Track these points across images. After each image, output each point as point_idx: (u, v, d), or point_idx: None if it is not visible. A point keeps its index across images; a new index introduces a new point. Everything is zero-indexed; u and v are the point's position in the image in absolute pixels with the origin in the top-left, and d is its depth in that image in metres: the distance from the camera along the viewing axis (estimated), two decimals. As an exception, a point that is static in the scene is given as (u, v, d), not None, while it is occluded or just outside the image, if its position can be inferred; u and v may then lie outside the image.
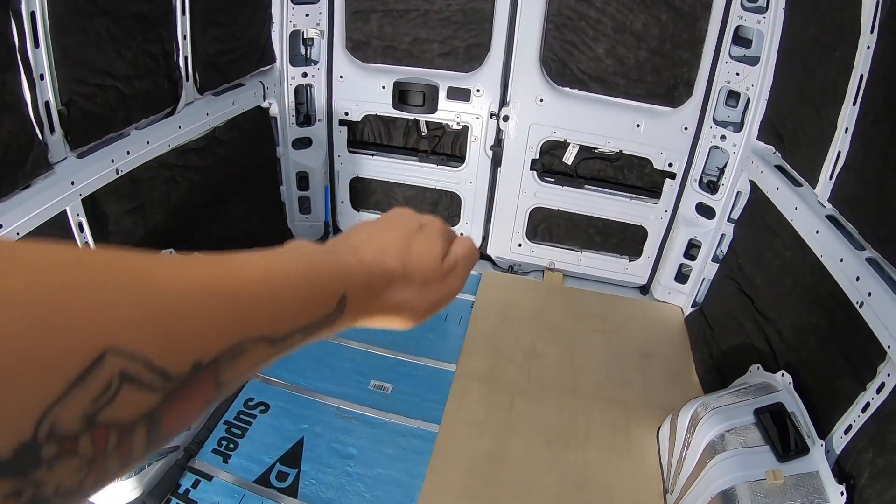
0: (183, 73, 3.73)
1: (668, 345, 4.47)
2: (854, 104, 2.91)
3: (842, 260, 2.80)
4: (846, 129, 2.96)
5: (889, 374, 2.38)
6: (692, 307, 4.70)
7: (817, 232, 3.06)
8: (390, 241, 0.79)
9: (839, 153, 3.01)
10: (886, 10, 2.70)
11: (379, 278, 0.74)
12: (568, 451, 3.55)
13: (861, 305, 2.59)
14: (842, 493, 2.42)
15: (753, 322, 3.65)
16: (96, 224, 3.23)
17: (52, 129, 2.90)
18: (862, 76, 2.86)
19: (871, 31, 2.80)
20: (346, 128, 5.08)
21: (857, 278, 2.66)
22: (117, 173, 3.30)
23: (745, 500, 2.61)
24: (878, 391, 2.42)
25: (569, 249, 5.14)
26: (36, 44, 2.70)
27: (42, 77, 2.79)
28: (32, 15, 2.65)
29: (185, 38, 3.66)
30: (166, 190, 3.80)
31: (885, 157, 2.70)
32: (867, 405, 2.47)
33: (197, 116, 3.90)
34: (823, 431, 2.69)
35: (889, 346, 2.37)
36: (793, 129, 3.67)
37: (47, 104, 2.85)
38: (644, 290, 5.11)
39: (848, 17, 2.94)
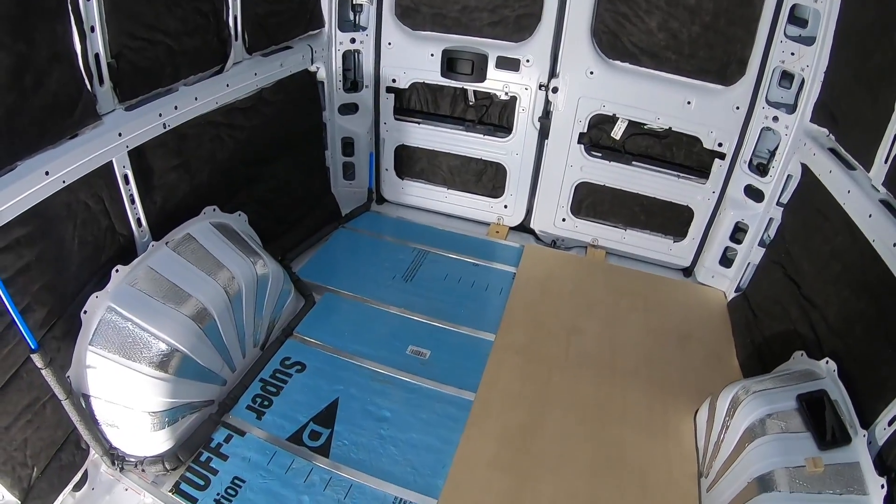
0: (232, 32, 3.78)
1: (709, 329, 4.43)
2: None
3: (894, 245, 2.75)
4: None
5: None
6: (735, 292, 4.65)
7: (870, 216, 3.01)
8: None
9: (895, 136, 2.95)
10: None
11: None
12: (603, 428, 3.55)
13: None
14: (882, 486, 2.40)
15: (799, 308, 3.60)
16: (141, 177, 3.31)
17: (101, 81, 2.98)
18: None
19: None
20: (392, 95, 5.11)
21: None
22: (164, 128, 3.38)
23: (783, 486, 2.59)
24: None
25: (613, 227, 5.13)
26: (87, -6, 2.80)
27: (93, 29, 2.85)
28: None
29: None
30: (212, 148, 3.88)
31: None
32: None
33: (245, 76, 3.96)
34: (867, 422, 2.67)
35: None
36: (848, 112, 3.60)
37: (97, 56, 2.92)
38: (687, 272, 5.07)
39: None
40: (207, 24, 3.59)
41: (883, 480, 2.40)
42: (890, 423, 2.53)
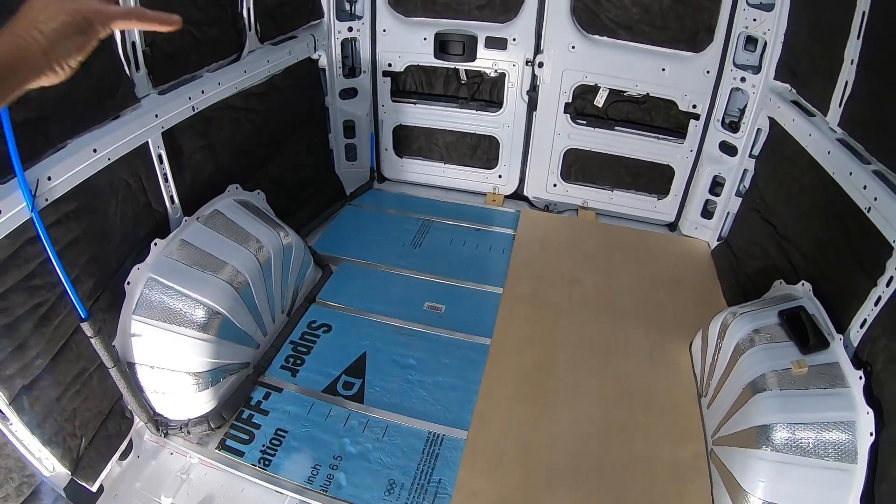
0: (246, 23, 4.03)
1: (696, 274, 4.75)
2: (858, 38, 3.19)
3: (851, 173, 3.08)
4: (852, 61, 3.25)
5: None
6: (718, 241, 4.98)
7: (829, 153, 3.35)
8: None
9: (846, 83, 3.29)
10: None
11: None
12: (609, 361, 3.87)
13: (869, 210, 2.87)
14: (860, 378, 2.67)
15: (776, 245, 3.93)
16: (174, 157, 3.53)
17: (137, 67, 3.21)
18: (864, 12, 3.13)
19: None
20: (389, 78, 5.36)
21: (865, 187, 2.94)
22: (193, 110, 3.61)
23: (773, 386, 2.87)
24: (888, 284, 2.67)
25: (601, 189, 5.43)
26: (122, -13, 2.99)
27: None
28: (120, -43, 2.94)
29: None
30: (232, 130, 4.11)
31: (886, 82, 2.99)
32: (879, 299, 2.72)
33: (259, 63, 4.20)
34: (842, 328, 2.95)
35: (894, 241, 2.64)
36: (805, 66, 3.95)
37: (133, 44, 3.14)
38: (672, 226, 5.38)
39: None
40: (225, 15, 3.84)
41: (860, 373, 2.68)
42: (862, 326, 2.82)
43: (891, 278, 2.67)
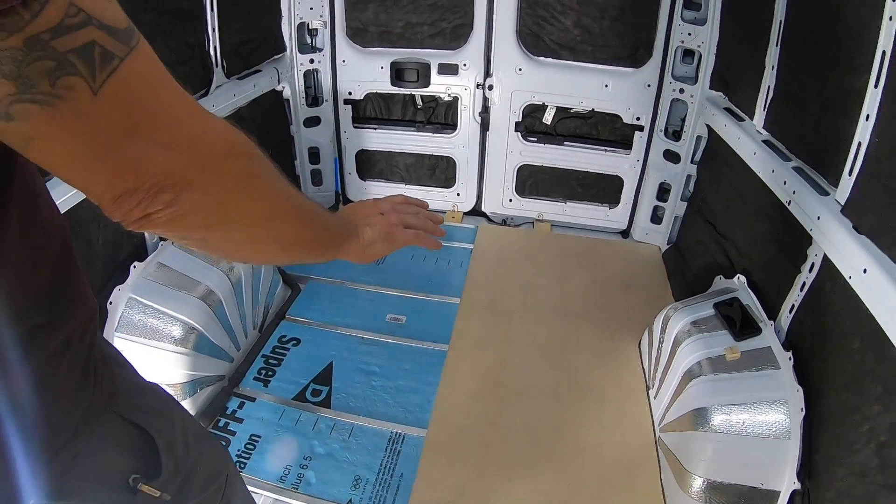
0: (213, 60, 4.25)
1: (647, 277, 4.97)
2: (776, 45, 3.49)
3: (773, 171, 3.34)
4: (772, 67, 3.54)
5: (816, 255, 2.87)
6: (668, 244, 5.22)
7: (755, 154, 3.60)
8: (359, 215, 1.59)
9: (769, 87, 3.58)
10: None
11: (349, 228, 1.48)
12: (562, 358, 4.08)
13: (789, 203, 3.11)
14: (789, 358, 2.88)
15: (716, 243, 4.18)
16: None
17: None
18: (780, 21, 3.43)
19: None
20: (350, 106, 5.60)
21: (785, 182, 3.19)
22: None
23: (707, 371, 3.07)
24: (810, 270, 2.91)
25: (554, 201, 5.66)
26: (100, 35, 3.25)
27: None
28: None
29: (213, 30, 4.18)
30: None
31: (799, 84, 3.28)
32: (803, 284, 2.95)
33: (226, 97, 4.41)
34: (773, 315, 3.19)
35: (811, 230, 2.86)
36: (735, 75, 4.24)
37: None
38: (625, 234, 5.62)
39: None
40: (194, 54, 4.07)
41: (789, 354, 2.89)
42: (790, 311, 3.05)
43: (812, 265, 2.90)
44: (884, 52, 2.43)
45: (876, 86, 2.49)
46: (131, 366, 1.62)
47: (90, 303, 1.27)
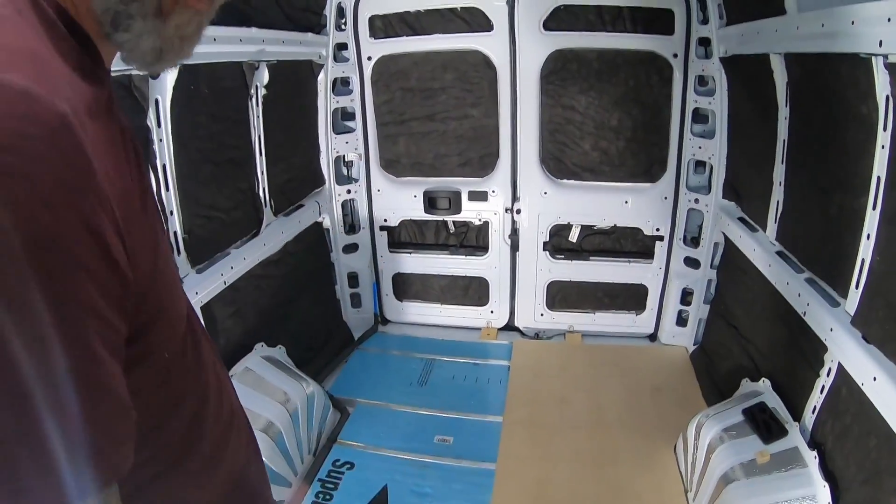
0: (263, 201, 4.59)
1: (677, 379, 5.13)
2: (782, 163, 3.75)
3: (788, 283, 3.54)
4: (780, 183, 3.79)
5: (832, 361, 3.04)
6: (694, 345, 5.39)
7: (770, 266, 3.81)
8: None
9: (778, 202, 3.82)
10: (792, 89, 3.57)
11: None
12: (602, 470, 4.22)
13: (805, 314, 3.30)
14: (815, 457, 3.05)
15: (739, 346, 4.36)
16: (209, 326, 3.98)
17: (178, 252, 3.70)
18: (784, 140, 3.70)
19: (785, 106, 3.66)
20: (385, 232, 5.94)
21: (799, 294, 3.38)
22: (224, 284, 4.08)
23: (741, 476, 3.27)
24: (828, 375, 3.08)
25: (584, 312, 5.88)
26: (167, 187, 3.54)
27: (171, 213, 3.60)
28: (164, 167, 3.51)
29: (262, 173, 4.55)
30: (255, 295, 4.59)
31: (806, 201, 3.52)
32: (823, 387, 3.13)
33: (275, 234, 4.73)
34: (797, 415, 3.36)
35: (825, 339, 3.05)
36: (745, 187, 4.52)
37: (175, 233, 3.66)
38: (652, 337, 5.80)
39: (769, 96, 3.79)
40: (246, 198, 4.42)
41: (814, 453, 3.05)
42: (813, 412, 3.21)
43: (829, 369, 3.07)
44: (878, 178, 2.65)
45: (874, 208, 2.70)
46: None
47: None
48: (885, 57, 2.44)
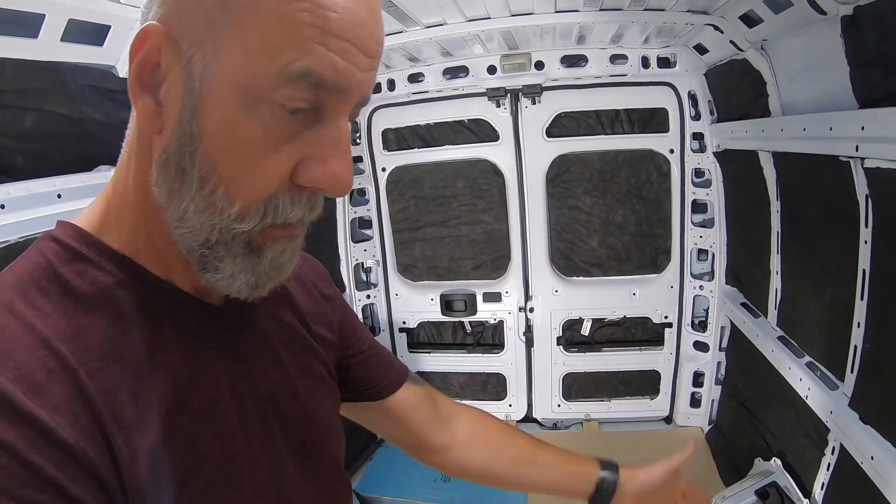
0: None
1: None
2: (777, 253, 3.95)
3: (790, 368, 3.67)
4: (777, 272, 3.98)
5: (835, 440, 3.16)
6: (709, 425, 5.51)
7: (773, 351, 3.95)
8: None
9: (776, 289, 4.01)
10: (781, 185, 3.80)
11: None
12: None
13: (807, 397, 3.43)
14: None
15: (751, 426, 4.48)
16: None
17: None
18: (778, 232, 3.90)
19: (776, 200, 3.88)
20: (404, 334, 6.15)
21: (801, 379, 3.52)
22: None
23: None
24: (833, 453, 3.20)
25: (599, 401, 6.02)
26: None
27: None
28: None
29: None
30: None
31: (802, 290, 3.72)
32: (829, 465, 3.24)
33: None
34: (807, 492, 3.48)
35: (827, 421, 3.17)
36: (746, 274, 4.71)
37: None
38: (668, 420, 5.93)
39: (761, 189, 4.02)
40: None
41: None
42: (821, 489, 3.31)
43: (833, 448, 3.20)
44: (864, 270, 2.84)
45: (861, 298, 2.88)
46: None
47: None
48: (862, 161, 2.67)
